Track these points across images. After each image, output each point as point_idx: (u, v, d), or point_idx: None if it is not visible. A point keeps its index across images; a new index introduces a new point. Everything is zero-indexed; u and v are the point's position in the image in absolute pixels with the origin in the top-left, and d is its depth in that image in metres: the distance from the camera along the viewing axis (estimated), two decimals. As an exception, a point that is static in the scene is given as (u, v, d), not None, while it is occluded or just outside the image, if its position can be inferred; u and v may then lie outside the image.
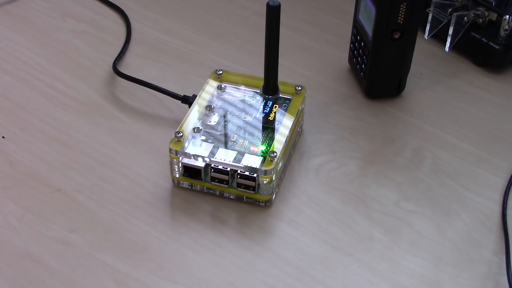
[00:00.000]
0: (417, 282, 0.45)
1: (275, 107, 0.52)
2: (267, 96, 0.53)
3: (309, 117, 0.57)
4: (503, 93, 0.61)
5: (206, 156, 0.47)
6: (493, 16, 0.62)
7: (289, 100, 0.52)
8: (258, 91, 0.53)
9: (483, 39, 0.62)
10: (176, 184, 0.50)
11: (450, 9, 0.62)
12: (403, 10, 0.53)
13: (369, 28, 0.56)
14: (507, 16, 0.60)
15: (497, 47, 0.61)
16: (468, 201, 0.51)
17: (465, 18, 0.62)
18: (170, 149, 0.48)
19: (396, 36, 0.54)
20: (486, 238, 0.48)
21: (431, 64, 0.64)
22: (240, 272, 0.45)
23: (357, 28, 0.59)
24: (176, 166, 0.49)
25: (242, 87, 0.54)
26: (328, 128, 0.57)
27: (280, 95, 0.53)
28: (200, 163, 0.48)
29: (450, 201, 0.51)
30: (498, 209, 0.50)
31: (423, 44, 0.64)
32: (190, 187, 0.50)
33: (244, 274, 0.45)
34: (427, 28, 0.62)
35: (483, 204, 0.51)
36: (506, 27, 0.60)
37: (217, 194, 0.50)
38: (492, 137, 0.56)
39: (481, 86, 0.62)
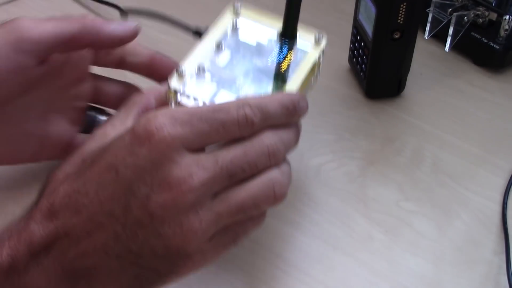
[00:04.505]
0: (417, 282, 0.45)
1: (290, 54, 0.46)
2: (283, 41, 0.47)
3: (309, 117, 0.57)
4: (503, 93, 0.61)
5: (207, 99, 0.43)
6: (493, 16, 0.62)
7: (306, 50, 0.47)
8: (276, 35, 0.47)
9: (483, 39, 0.62)
10: None
11: (450, 9, 0.62)
12: (403, 10, 0.53)
13: (369, 28, 0.56)
14: (507, 16, 0.60)
15: (497, 47, 0.61)
16: (468, 201, 0.51)
17: (465, 18, 0.62)
18: (169, 86, 0.43)
19: (396, 36, 0.54)
20: (486, 238, 0.48)
21: (431, 64, 0.64)
22: (240, 272, 0.45)
23: (357, 28, 0.59)
24: (173, 102, 0.44)
25: (259, 27, 0.48)
26: (328, 128, 0.57)
27: (297, 42, 0.47)
28: (199, 104, 0.43)
29: (450, 201, 0.51)
30: (498, 209, 0.50)
31: (423, 44, 0.64)
32: None
33: (244, 274, 0.45)
34: (427, 28, 0.62)
35: (483, 204, 0.51)
36: (506, 27, 0.60)
37: None
38: (492, 137, 0.56)
39: (481, 86, 0.62)
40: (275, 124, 0.38)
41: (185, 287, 0.44)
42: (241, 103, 0.37)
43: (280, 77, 0.45)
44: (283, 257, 0.46)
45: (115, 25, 0.45)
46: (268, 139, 0.37)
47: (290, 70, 0.45)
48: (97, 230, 0.35)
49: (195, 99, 0.43)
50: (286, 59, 0.46)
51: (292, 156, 0.54)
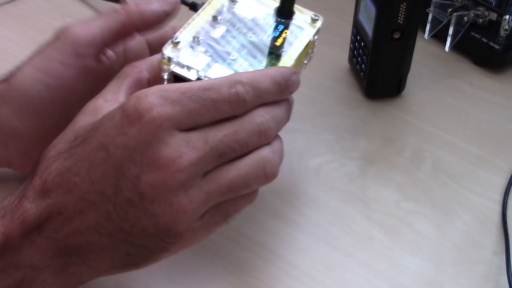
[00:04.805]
0: (417, 282, 0.45)
1: (285, 32, 0.47)
2: (279, 19, 0.47)
3: (309, 117, 0.57)
4: (503, 93, 0.61)
5: (200, 69, 0.43)
6: (493, 16, 0.62)
7: (302, 29, 0.48)
8: (273, 12, 0.48)
9: (483, 39, 0.62)
10: None
11: (450, 9, 0.62)
12: (403, 10, 0.53)
13: (369, 28, 0.56)
14: (507, 16, 0.60)
15: (497, 47, 0.61)
16: (468, 201, 0.51)
17: (465, 18, 0.62)
18: (163, 54, 0.43)
19: (396, 36, 0.54)
20: (486, 238, 0.48)
21: (431, 64, 0.64)
22: (240, 272, 0.45)
23: (357, 28, 0.59)
24: (166, 73, 0.44)
25: (256, 4, 0.48)
26: (328, 128, 0.57)
27: (293, 22, 0.48)
28: (192, 75, 0.43)
29: (450, 201, 0.51)
30: (498, 209, 0.50)
31: (423, 44, 0.64)
32: None
33: (244, 274, 0.45)
34: (427, 28, 0.62)
35: (483, 204, 0.51)
36: (506, 27, 0.60)
37: None
38: (492, 137, 0.56)
39: (481, 86, 0.62)
40: (267, 101, 0.38)
41: (184, 287, 0.44)
42: (233, 80, 0.37)
43: (274, 54, 0.45)
44: (283, 257, 0.46)
45: (156, 3, 0.45)
46: (260, 117, 0.37)
47: (285, 47, 0.46)
48: (89, 209, 0.35)
49: (188, 68, 0.43)
50: (281, 36, 0.46)
51: (292, 156, 0.54)
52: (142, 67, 0.42)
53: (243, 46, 0.45)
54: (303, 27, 0.47)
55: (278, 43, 0.46)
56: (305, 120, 0.57)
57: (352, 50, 0.61)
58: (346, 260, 0.46)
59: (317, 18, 0.48)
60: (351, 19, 0.60)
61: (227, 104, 0.36)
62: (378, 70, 0.57)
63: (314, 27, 0.48)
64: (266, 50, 0.45)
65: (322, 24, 0.48)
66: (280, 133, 0.55)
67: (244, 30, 0.46)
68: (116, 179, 0.34)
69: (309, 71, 0.63)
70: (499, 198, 0.51)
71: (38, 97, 0.43)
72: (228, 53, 0.44)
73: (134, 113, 0.34)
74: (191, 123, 0.35)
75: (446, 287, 0.45)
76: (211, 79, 0.38)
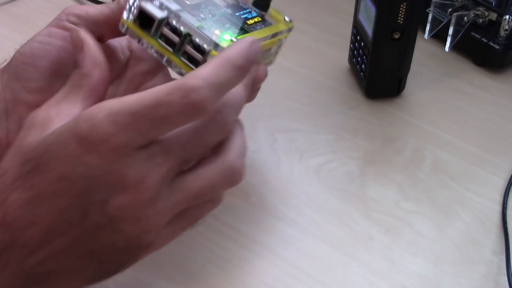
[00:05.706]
0: (417, 282, 0.45)
1: (258, 19, 0.47)
2: (255, 8, 0.47)
3: (309, 117, 0.57)
4: (503, 93, 0.61)
5: (173, 10, 0.41)
6: (493, 16, 0.62)
7: (272, 23, 0.47)
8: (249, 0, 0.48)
9: (483, 39, 0.62)
10: (123, 32, 0.44)
11: (450, 9, 0.62)
12: (403, 10, 0.53)
13: (369, 28, 0.56)
14: (507, 16, 0.60)
15: (497, 47, 0.61)
16: (468, 201, 0.51)
17: (465, 18, 0.62)
18: None
19: (396, 36, 0.54)
20: (486, 238, 0.48)
21: (431, 64, 0.64)
22: (240, 272, 0.45)
23: (357, 28, 0.59)
24: (133, 7, 0.42)
25: None
26: (328, 128, 0.57)
27: (266, 18, 0.47)
28: (158, 13, 0.41)
29: (450, 201, 0.51)
30: (498, 209, 0.50)
31: (423, 44, 0.64)
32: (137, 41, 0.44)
33: (244, 274, 0.45)
34: (427, 28, 0.62)
35: (483, 204, 0.51)
36: (506, 27, 0.60)
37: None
38: (492, 137, 0.56)
39: (481, 86, 0.62)
40: (231, 89, 0.36)
41: (184, 287, 0.44)
42: (187, 88, 0.34)
43: (244, 29, 0.44)
44: (283, 257, 0.46)
45: None
46: (220, 115, 0.36)
47: (255, 28, 0.45)
48: (56, 237, 0.34)
49: (161, 6, 0.41)
50: (254, 19, 0.46)
51: (292, 156, 0.54)
52: (94, 75, 0.40)
53: (216, 14, 0.44)
54: (274, 23, 0.47)
55: (250, 22, 0.45)
56: (305, 120, 0.57)
57: (352, 50, 0.61)
58: (346, 260, 0.46)
59: (289, 21, 0.47)
60: (351, 19, 0.60)
61: (181, 116, 0.34)
62: (378, 70, 0.57)
63: (286, 25, 0.47)
64: (239, 26, 0.44)
65: (292, 30, 0.48)
66: (280, 134, 0.55)
67: (221, 3, 0.45)
68: (82, 206, 0.34)
69: (309, 71, 0.63)
70: (499, 198, 0.51)
71: (31, 53, 0.44)
72: (201, 12, 0.43)
73: (89, 144, 0.33)
74: (148, 140, 0.34)
75: (446, 287, 0.45)
76: (160, 88, 0.35)
